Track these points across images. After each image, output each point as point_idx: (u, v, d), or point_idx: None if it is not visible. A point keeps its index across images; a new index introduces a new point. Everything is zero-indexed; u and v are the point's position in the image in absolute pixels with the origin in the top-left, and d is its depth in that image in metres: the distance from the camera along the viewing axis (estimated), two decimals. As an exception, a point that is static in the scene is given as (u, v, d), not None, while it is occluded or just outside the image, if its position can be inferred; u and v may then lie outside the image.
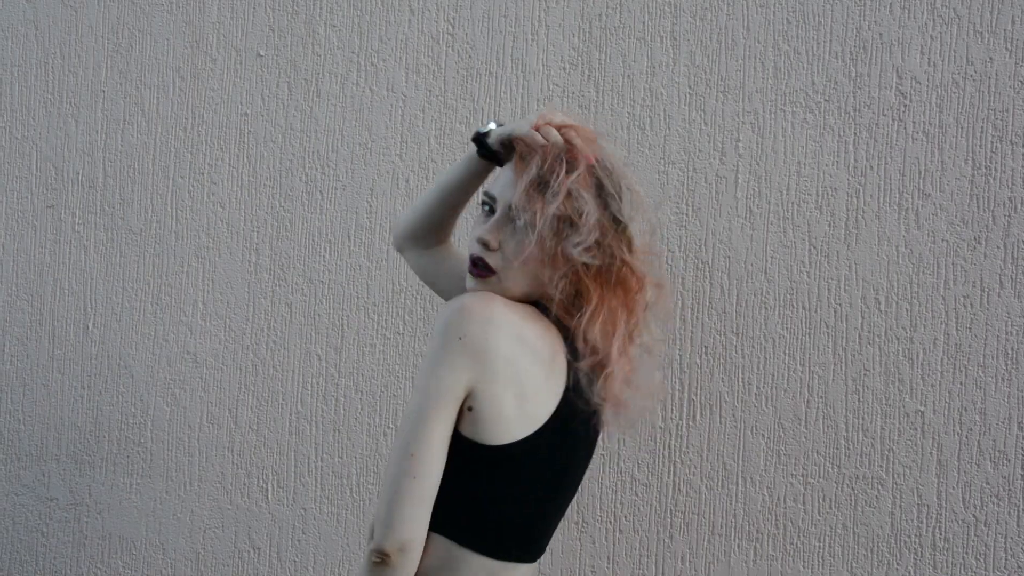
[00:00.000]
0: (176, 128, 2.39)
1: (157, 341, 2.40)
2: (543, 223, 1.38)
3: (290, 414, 2.28)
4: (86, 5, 2.48)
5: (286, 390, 2.28)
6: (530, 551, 1.45)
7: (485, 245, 1.42)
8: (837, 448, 1.87)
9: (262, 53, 2.31)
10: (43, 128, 2.52)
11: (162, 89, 2.40)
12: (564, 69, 2.06)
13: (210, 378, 2.35)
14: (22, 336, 2.53)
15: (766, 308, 1.92)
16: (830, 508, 1.87)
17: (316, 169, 2.26)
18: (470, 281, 1.45)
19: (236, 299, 2.33)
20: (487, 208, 1.46)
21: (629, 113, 2.01)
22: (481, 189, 1.53)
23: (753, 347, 1.92)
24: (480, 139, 1.51)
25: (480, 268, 1.43)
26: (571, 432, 1.45)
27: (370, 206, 2.21)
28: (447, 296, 1.66)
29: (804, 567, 1.88)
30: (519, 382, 1.37)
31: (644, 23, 2.00)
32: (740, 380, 1.93)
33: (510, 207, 1.41)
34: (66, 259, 2.49)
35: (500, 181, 1.45)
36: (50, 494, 2.50)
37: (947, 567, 1.80)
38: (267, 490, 2.29)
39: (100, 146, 2.46)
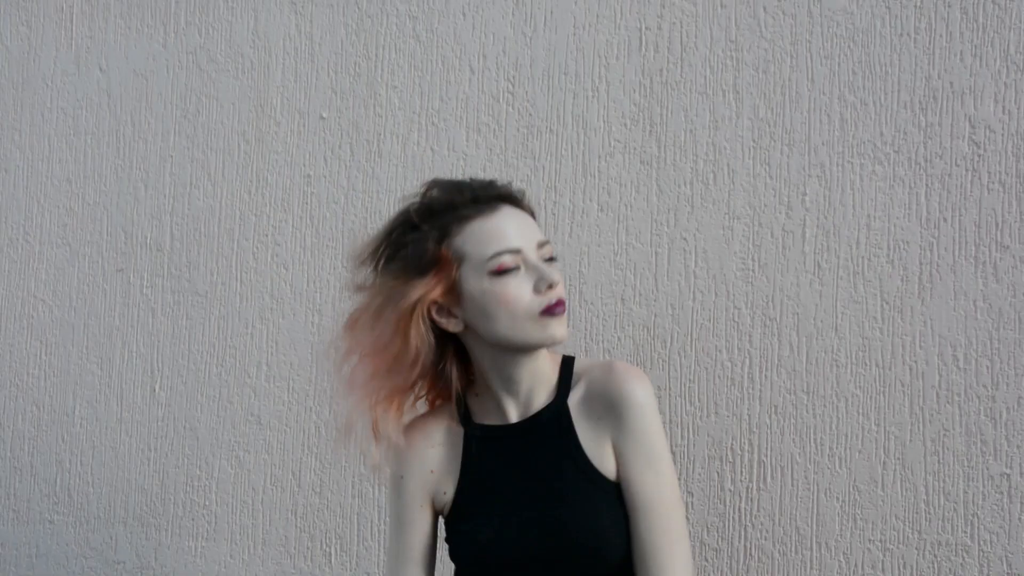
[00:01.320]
0: (241, 191, 2.42)
1: (222, 403, 2.40)
2: None
3: (353, 476, 2.25)
4: (156, 74, 2.53)
5: (349, 452, 2.26)
6: None
7: (560, 289, 1.44)
8: (917, 512, 1.78)
9: (325, 115, 2.34)
10: (114, 194, 2.57)
11: (227, 153, 2.44)
12: (625, 125, 2.04)
13: (274, 440, 2.34)
14: (91, 399, 2.56)
15: (837, 366, 1.85)
16: (911, 576, 1.78)
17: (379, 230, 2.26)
18: (558, 326, 1.43)
19: (299, 360, 2.33)
20: (518, 269, 1.44)
21: (692, 168, 1.97)
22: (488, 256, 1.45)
23: (825, 406, 1.85)
24: None
25: (562, 304, 1.44)
26: None
27: (432, 266, 2.20)
28: None
29: (885, 639, 1.79)
30: None
31: (706, 77, 1.98)
32: (812, 440, 1.86)
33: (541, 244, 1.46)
34: (135, 322, 2.52)
35: (513, 232, 1.44)
36: (117, 557, 2.51)
37: (1039, 641, 1.70)
38: (330, 554, 2.27)
39: (168, 210, 2.50)
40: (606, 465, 1.47)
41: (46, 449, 2.61)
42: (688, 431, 1.94)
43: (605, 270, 2.03)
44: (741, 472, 1.90)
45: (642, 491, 1.43)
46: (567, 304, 1.45)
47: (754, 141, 1.94)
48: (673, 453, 1.94)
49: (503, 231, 1.43)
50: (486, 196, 1.46)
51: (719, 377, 1.93)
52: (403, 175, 2.24)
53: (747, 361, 1.91)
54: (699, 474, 1.92)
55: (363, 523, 2.24)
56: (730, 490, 1.91)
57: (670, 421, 1.95)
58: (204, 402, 2.43)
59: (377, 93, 2.28)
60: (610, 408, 1.47)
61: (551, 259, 1.47)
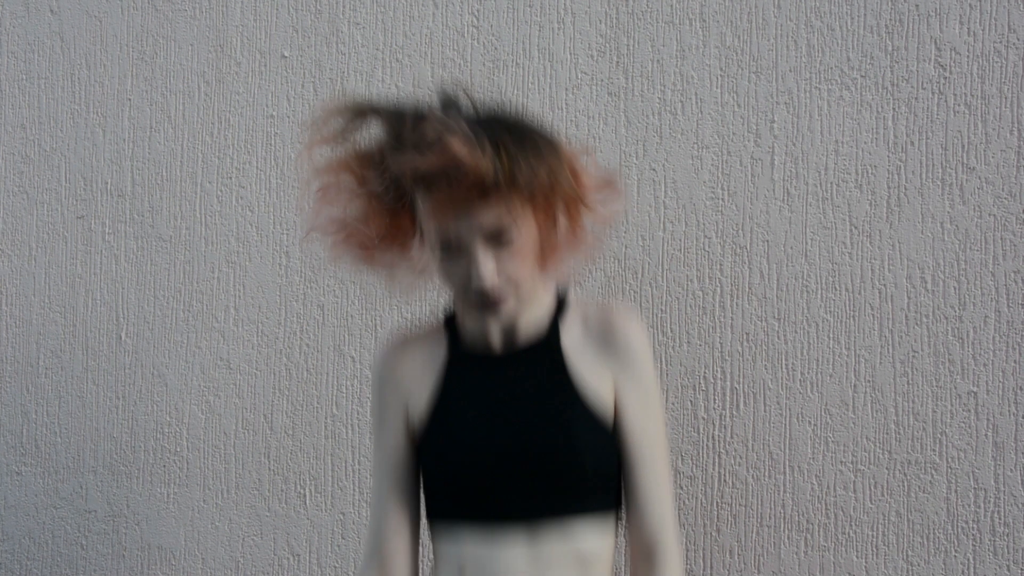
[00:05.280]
0: (203, 133, 2.38)
1: (190, 348, 2.38)
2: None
3: (326, 417, 2.25)
4: (110, 15, 2.47)
5: (321, 393, 2.25)
6: None
7: (494, 288, 1.39)
8: (887, 433, 1.81)
9: (286, 54, 2.30)
10: (71, 139, 2.51)
11: (187, 95, 2.39)
12: (592, 56, 2.03)
13: (244, 384, 2.33)
14: (56, 348, 2.53)
15: (808, 292, 1.86)
16: (882, 495, 1.81)
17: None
18: (491, 314, 1.42)
19: (268, 303, 2.31)
20: (459, 251, 1.39)
21: (660, 98, 1.97)
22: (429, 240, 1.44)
23: (796, 332, 1.87)
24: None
25: (495, 299, 1.40)
26: None
27: (399, 204, 2.18)
28: None
29: (858, 557, 1.82)
30: None
31: (672, 6, 1.96)
32: (784, 366, 1.88)
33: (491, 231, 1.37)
34: (97, 269, 2.48)
35: (449, 223, 1.37)
36: (88, 506, 2.49)
37: (1008, 552, 1.74)
38: (305, 495, 2.26)
39: (128, 155, 2.45)
40: (601, 399, 1.48)
41: (11, 400, 2.57)
42: (661, 361, 1.95)
43: (575, 203, 2.03)
44: (714, 400, 1.92)
45: (639, 437, 1.48)
46: (513, 284, 1.41)
47: (721, 69, 1.93)
48: (646, 383, 1.95)
49: (449, 215, 1.36)
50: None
51: (691, 306, 1.94)
52: (368, 113, 2.21)
53: (718, 289, 1.92)
54: (673, 403, 1.94)
55: (337, 464, 2.24)
56: (703, 418, 1.92)
57: (642, 352, 1.96)
58: (172, 348, 2.40)
59: (339, 30, 2.25)
60: (612, 349, 1.49)
61: (502, 243, 1.39)
